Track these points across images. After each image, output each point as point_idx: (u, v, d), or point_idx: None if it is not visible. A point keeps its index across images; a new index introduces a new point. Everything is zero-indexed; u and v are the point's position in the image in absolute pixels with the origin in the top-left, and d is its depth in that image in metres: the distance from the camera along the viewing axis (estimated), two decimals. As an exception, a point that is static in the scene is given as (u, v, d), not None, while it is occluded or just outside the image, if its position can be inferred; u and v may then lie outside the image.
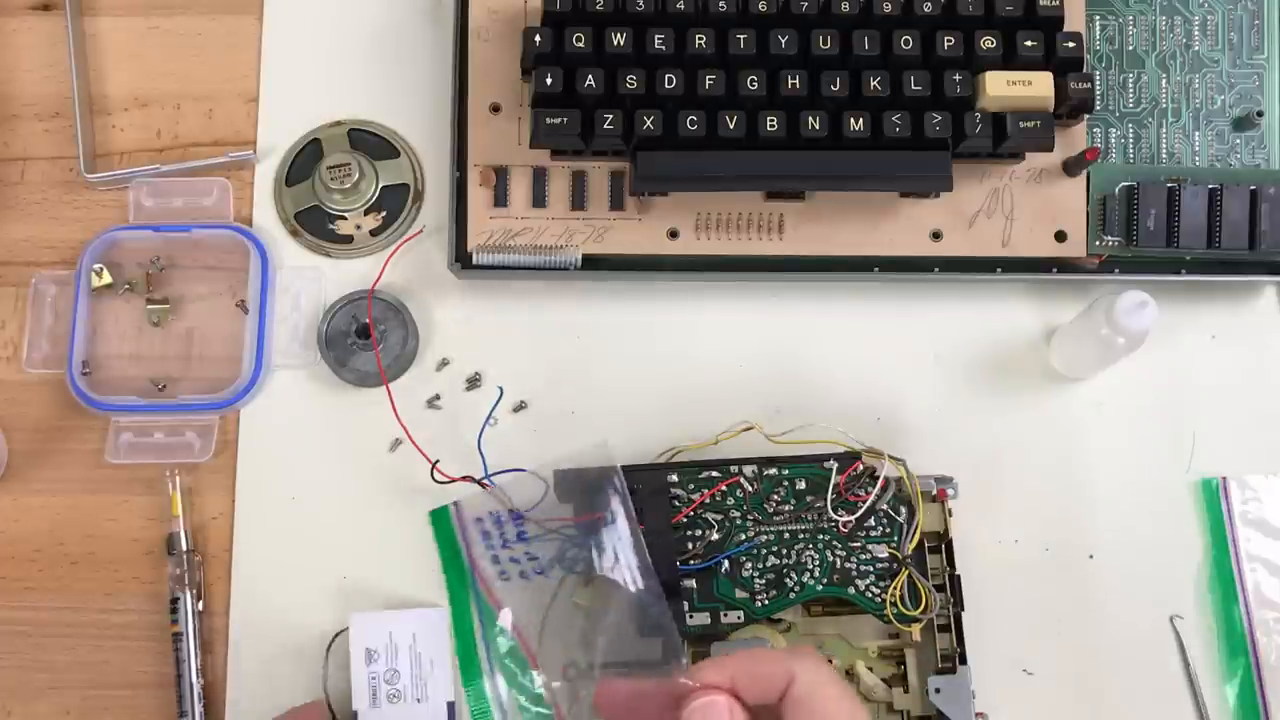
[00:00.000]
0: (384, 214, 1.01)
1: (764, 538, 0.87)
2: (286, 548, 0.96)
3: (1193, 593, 0.96)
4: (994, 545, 0.95)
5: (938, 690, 0.85)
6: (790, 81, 0.93)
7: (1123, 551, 0.96)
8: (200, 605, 0.94)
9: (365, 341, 0.97)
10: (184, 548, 0.94)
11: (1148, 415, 0.98)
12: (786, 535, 0.87)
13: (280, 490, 0.96)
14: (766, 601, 0.86)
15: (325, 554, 0.95)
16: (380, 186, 1.01)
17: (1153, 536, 0.96)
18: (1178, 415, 0.98)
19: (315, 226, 1.01)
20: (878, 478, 0.87)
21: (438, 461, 0.90)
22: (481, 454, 0.91)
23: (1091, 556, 0.96)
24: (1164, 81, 1.00)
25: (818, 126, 0.93)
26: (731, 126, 0.93)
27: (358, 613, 0.93)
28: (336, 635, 0.93)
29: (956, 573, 0.88)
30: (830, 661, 0.87)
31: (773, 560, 0.87)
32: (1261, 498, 0.96)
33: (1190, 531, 0.97)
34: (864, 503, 0.87)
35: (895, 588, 0.86)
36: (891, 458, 0.87)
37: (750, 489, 0.88)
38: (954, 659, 0.86)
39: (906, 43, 0.94)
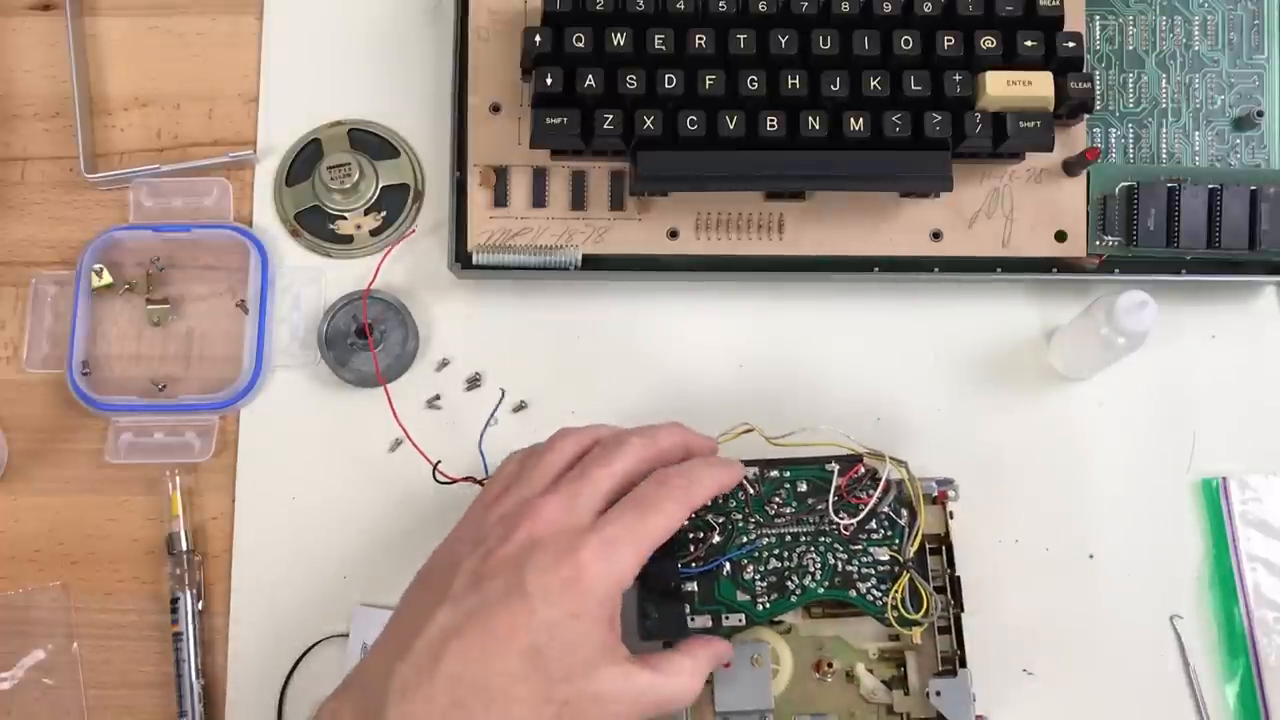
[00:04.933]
0: (384, 214, 1.01)
1: (765, 540, 0.87)
2: (286, 548, 0.96)
3: (1193, 593, 0.96)
4: (994, 546, 0.95)
5: (938, 693, 0.85)
6: (790, 81, 0.93)
7: (1123, 551, 0.96)
8: (200, 605, 0.94)
9: (365, 341, 0.97)
10: (184, 548, 0.94)
11: (1148, 415, 0.98)
12: (788, 538, 0.87)
13: (280, 490, 0.96)
14: (768, 604, 0.86)
15: (325, 554, 0.95)
16: (380, 186, 1.01)
17: (1153, 536, 0.96)
18: (1178, 415, 0.98)
19: (315, 226, 1.01)
20: (879, 480, 0.87)
21: (439, 462, 0.90)
22: (483, 454, 0.91)
23: (1091, 556, 0.96)
24: (1164, 81, 1.00)
25: (818, 126, 0.93)
26: (731, 126, 0.93)
27: (361, 606, 0.94)
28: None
29: (956, 574, 0.88)
30: (831, 665, 0.87)
31: (774, 563, 0.87)
32: (1261, 498, 0.96)
33: (1190, 531, 0.97)
34: (865, 505, 0.87)
35: (896, 590, 0.86)
36: (893, 460, 0.87)
37: (752, 491, 0.88)
38: (954, 661, 0.86)
39: (906, 43, 0.94)
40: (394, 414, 0.94)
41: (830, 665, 0.87)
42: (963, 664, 0.86)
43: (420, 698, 0.73)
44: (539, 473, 0.81)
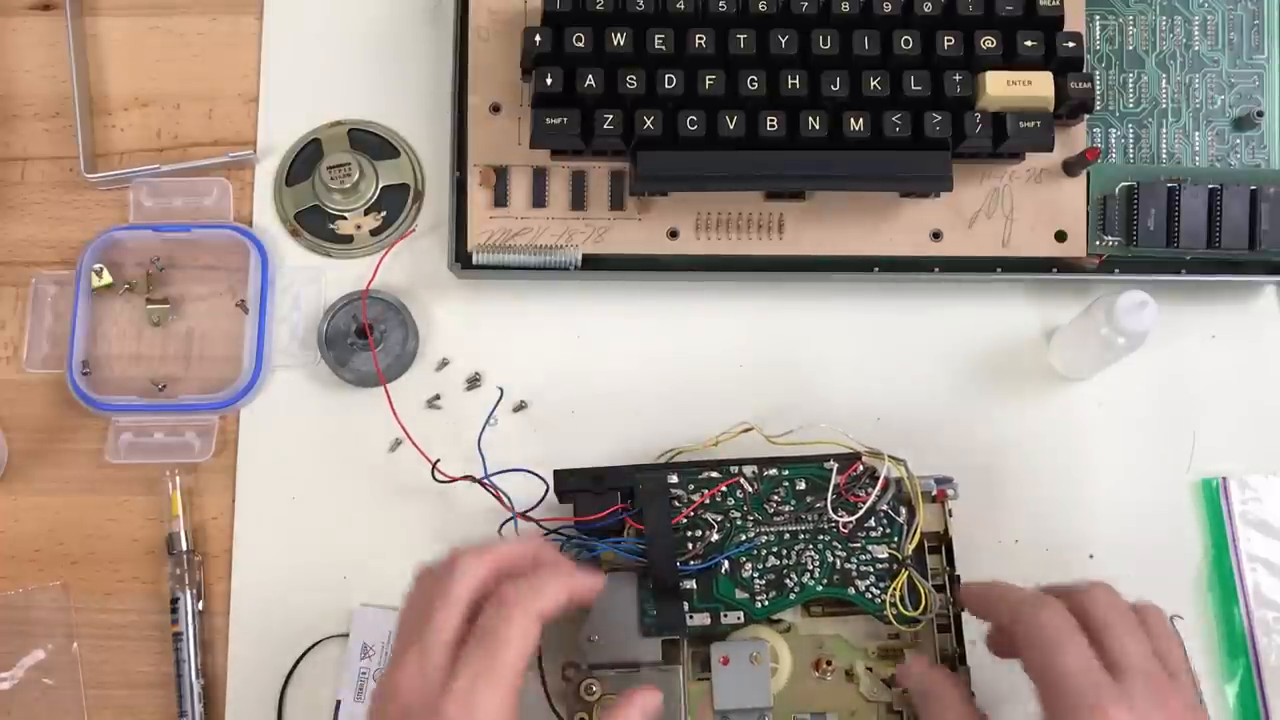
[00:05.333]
0: (384, 214, 1.01)
1: (764, 538, 0.87)
2: (286, 548, 0.96)
3: (1193, 593, 0.96)
4: (994, 545, 0.95)
5: (937, 689, 0.85)
6: (790, 81, 0.93)
7: (1123, 551, 0.96)
8: (200, 605, 0.94)
9: (365, 341, 0.97)
10: (184, 548, 0.95)
11: (1148, 415, 0.98)
12: (786, 536, 0.87)
13: (280, 490, 0.96)
14: (766, 602, 0.86)
15: (325, 554, 0.95)
16: (380, 186, 1.01)
17: (1153, 536, 0.96)
18: (1178, 415, 0.98)
19: (315, 226, 1.01)
20: (878, 478, 0.87)
21: (438, 461, 0.90)
22: (481, 454, 0.91)
23: (1091, 556, 0.96)
24: (1164, 81, 1.00)
25: (818, 126, 0.93)
26: (731, 126, 0.93)
27: (362, 606, 0.94)
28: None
29: (956, 573, 0.87)
30: (830, 663, 0.87)
31: (773, 561, 0.87)
32: (1261, 498, 0.96)
33: (1190, 531, 0.97)
34: (864, 503, 0.87)
35: (895, 588, 0.86)
36: (892, 458, 0.87)
37: (750, 489, 0.88)
38: (954, 659, 0.86)
39: (906, 43, 0.94)
40: (394, 413, 0.94)
41: (830, 664, 0.87)
42: (962, 661, 0.86)
43: None
44: (393, 651, 0.79)
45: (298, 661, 0.94)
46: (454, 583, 0.77)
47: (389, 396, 0.94)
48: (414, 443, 0.93)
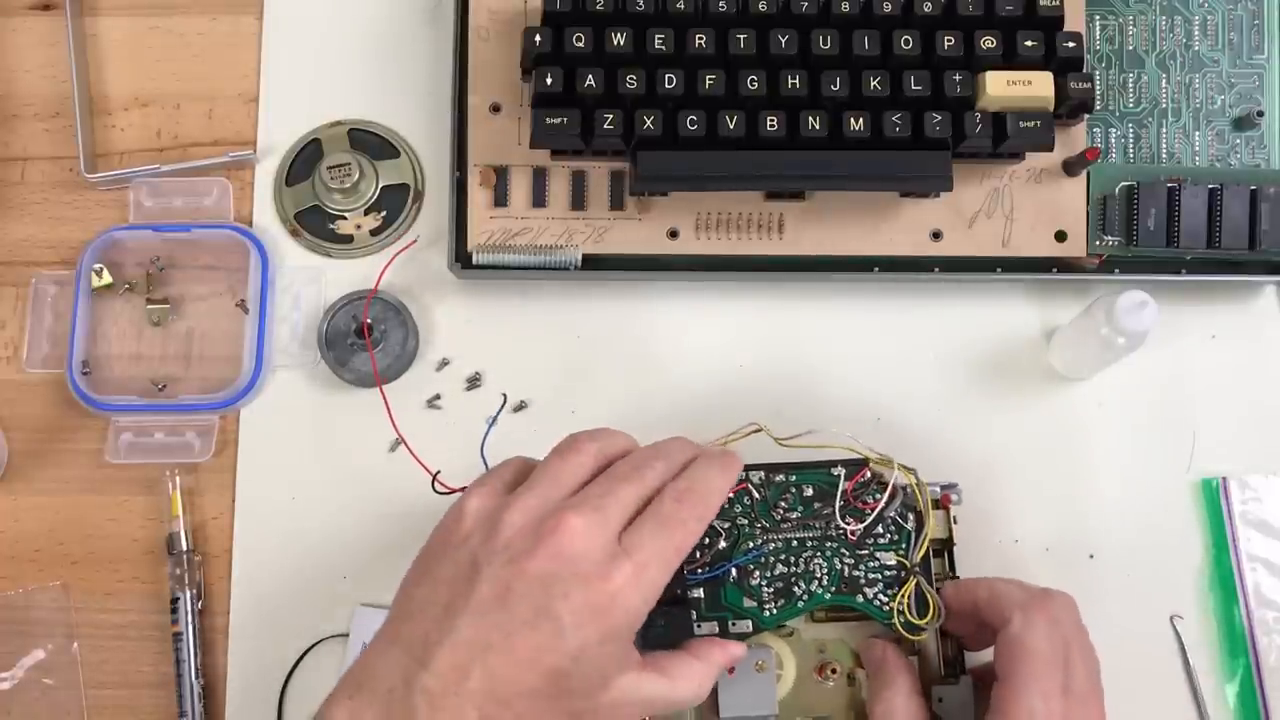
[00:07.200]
0: (384, 214, 1.01)
1: (772, 545, 0.86)
2: (286, 548, 0.96)
3: (1193, 593, 0.96)
4: (994, 546, 0.96)
5: (940, 700, 0.85)
6: (790, 81, 0.93)
7: (1123, 551, 0.96)
8: (200, 605, 0.94)
9: (365, 342, 0.97)
10: (184, 548, 0.95)
11: (1148, 415, 0.99)
12: (794, 543, 0.86)
13: (280, 490, 0.97)
14: (775, 610, 0.85)
15: (325, 554, 0.95)
16: (380, 186, 1.01)
17: (1153, 536, 0.96)
18: (1178, 415, 0.99)
19: (315, 226, 1.01)
20: (885, 484, 0.86)
21: (439, 472, 0.90)
22: (485, 461, 0.91)
23: (1091, 556, 0.96)
24: (1164, 81, 1.00)
25: (818, 126, 0.93)
26: (731, 126, 0.93)
27: (361, 606, 0.94)
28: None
29: (957, 577, 0.87)
30: (834, 669, 0.87)
31: (781, 568, 0.86)
32: (1261, 498, 0.96)
33: (1190, 531, 0.97)
34: (871, 510, 0.86)
35: (903, 597, 0.85)
36: (901, 466, 0.87)
37: (758, 496, 0.87)
38: (955, 665, 0.86)
39: (906, 43, 0.94)
40: (391, 421, 0.94)
41: (833, 669, 0.87)
42: (963, 670, 0.86)
43: (449, 710, 0.72)
44: (564, 475, 0.79)
45: (298, 661, 0.94)
46: (646, 475, 0.79)
47: (385, 401, 0.94)
48: (411, 451, 0.92)
